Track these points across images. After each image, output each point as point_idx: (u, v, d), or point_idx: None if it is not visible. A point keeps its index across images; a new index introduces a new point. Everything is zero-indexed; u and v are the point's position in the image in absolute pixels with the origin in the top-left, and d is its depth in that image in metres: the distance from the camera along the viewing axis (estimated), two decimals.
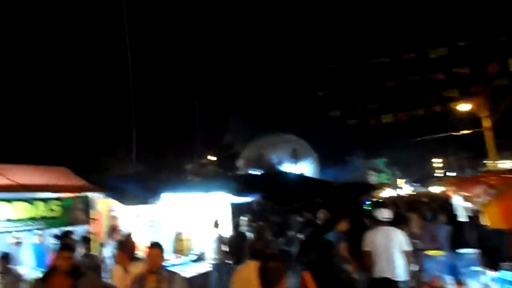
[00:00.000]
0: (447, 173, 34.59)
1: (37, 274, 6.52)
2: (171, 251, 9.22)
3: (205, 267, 8.41)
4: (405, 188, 37.78)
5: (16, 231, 6.31)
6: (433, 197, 19.12)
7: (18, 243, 6.83)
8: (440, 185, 24.28)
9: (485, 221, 4.88)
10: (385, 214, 5.92)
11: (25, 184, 6.23)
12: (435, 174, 35.83)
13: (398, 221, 6.19)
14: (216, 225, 8.84)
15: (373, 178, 41.33)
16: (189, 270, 8.16)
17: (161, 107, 22.91)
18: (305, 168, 32.54)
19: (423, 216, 8.53)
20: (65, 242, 5.36)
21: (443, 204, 9.36)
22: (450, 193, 6.07)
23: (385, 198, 24.73)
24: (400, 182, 41.03)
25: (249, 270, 3.83)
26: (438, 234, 7.47)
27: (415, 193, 30.78)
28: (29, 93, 20.39)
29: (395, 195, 30.44)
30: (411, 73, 13.97)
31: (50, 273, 4.07)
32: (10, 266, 5.65)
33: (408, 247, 5.58)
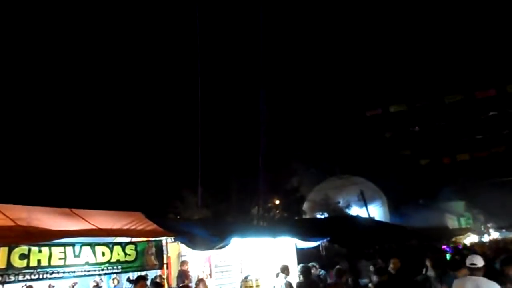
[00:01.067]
0: None
1: None
2: None
3: None
4: (491, 234, 34.41)
5: (95, 274, 6.64)
6: None
7: (97, 287, 7.17)
8: None
9: None
10: (474, 260, 5.30)
11: (105, 228, 6.63)
12: None
13: (490, 274, 5.50)
14: (286, 271, 8.65)
15: (451, 222, 38.36)
16: None
17: (226, 153, 23.56)
18: (374, 211, 31.18)
19: None
20: None
21: None
22: None
23: (469, 244, 22.74)
24: (485, 227, 37.56)
25: None
26: None
27: (502, 238, 27.86)
28: (103, 145, 22.14)
29: (480, 241, 27.85)
30: (488, 109, 13.26)
31: None
32: None
33: None
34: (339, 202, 31.08)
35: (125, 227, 7.12)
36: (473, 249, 17.05)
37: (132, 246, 6.91)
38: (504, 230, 32.02)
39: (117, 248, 6.67)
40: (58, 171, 20.51)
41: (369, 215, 27.88)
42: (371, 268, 9.17)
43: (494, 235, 33.31)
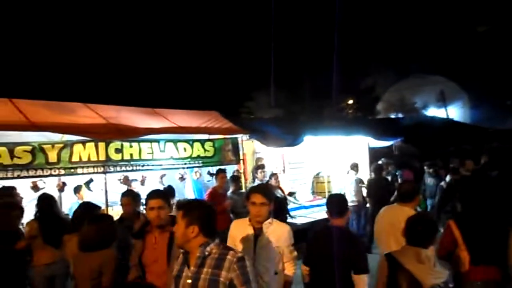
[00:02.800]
0: None
1: None
2: (310, 192, 9.65)
3: None
4: None
5: (180, 167, 7.30)
6: None
7: (182, 179, 7.92)
8: None
9: None
10: None
11: (185, 126, 7.10)
12: None
13: None
14: (355, 168, 8.85)
15: None
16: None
17: (300, 51, 22.96)
18: (454, 112, 29.55)
19: None
20: (156, 191, 3.65)
21: None
22: None
23: None
24: None
25: (395, 213, 3.80)
26: None
27: None
28: (184, 50, 22.53)
29: None
30: None
31: (145, 227, 3.35)
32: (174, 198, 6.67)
33: None
34: (415, 103, 29.74)
35: (203, 125, 7.56)
36: None
37: (210, 143, 7.38)
38: None
39: (197, 145, 7.18)
40: (139, 74, 21.62)
41: (448, 116, 26.55)
42: (426, 169, 9.09)
43: None
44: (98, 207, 4.37)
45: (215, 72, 22.35)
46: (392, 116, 26.98)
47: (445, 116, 26.01)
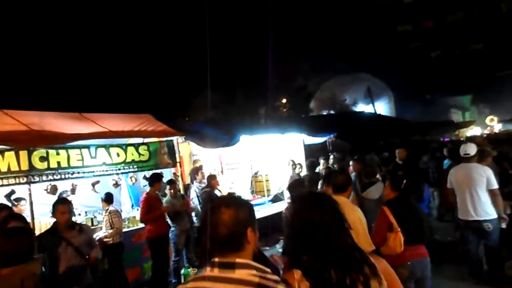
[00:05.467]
0: None
1: (134, 212, 7.29)
2: (250, 192, 9.70)
3: (282, 206, 8.70)
4: (494, 127, 34.43)
5: (113, 174, 6.97)
6: None
7: (117, 185, 7.57)
8: None
9: None
10: (466, 150, 5.59)
11: (116, 130, 6.78)
12: None
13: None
14: (293, 164, 9.04)
15: (456, 117, 38.55)
16: (267, 210, 8.54)
17: (233, 53, 22.97)
18: (381, 108, 31.31)
19: None
20: None
21: None
22: None
23: (470, 137, 23.09)
24: (488, 120, 37.56)
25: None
26: None
27: (504, 130, 27.85)
28: (113, 51, 21.54)
29: (483, 134, 28.11)
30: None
31: None
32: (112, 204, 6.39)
33: (493, 185, 5.25)
34: (345, 100, 31.12)
35: (136, 129, 7.25)
36: (474, 140, 17.22)
37: (145, 147, 7.13)
38: (508, 123, 31.78)
39: (131, 149, 6.90)
40: (64, 76, 20.33)
41: (375, 111, 28.06)
42: (376, 158, 9.50)
43: (497, 127, 33.37)
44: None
45: (148, 75, 21.67)
46: (324, 113, 27.98)
47: (372, 111, 27.45)
